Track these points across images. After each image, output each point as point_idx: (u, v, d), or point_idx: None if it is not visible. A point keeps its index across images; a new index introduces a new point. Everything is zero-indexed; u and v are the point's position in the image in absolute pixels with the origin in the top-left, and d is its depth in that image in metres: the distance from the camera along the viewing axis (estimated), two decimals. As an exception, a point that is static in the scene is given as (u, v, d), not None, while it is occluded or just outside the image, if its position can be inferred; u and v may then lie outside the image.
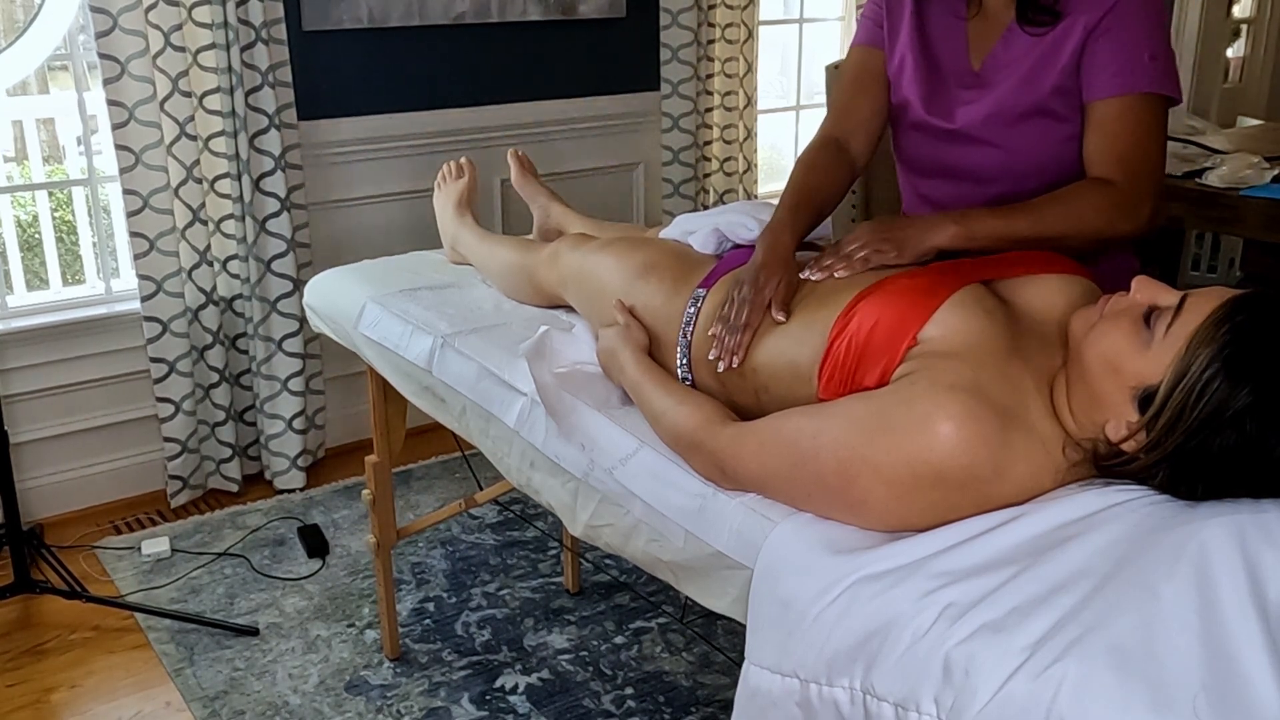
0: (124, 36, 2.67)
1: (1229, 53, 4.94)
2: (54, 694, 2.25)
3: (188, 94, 2.79)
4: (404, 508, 2.93)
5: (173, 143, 2.79)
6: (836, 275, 1.37)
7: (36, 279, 3.57)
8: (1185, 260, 4.30)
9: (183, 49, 2.76)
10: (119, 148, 2.73)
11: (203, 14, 2.74)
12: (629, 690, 2.23)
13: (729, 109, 3.73)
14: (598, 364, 1.58)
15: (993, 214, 1.44)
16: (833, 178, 1.62)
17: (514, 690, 2.24)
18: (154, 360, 2.87)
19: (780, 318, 1.36)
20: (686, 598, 1.37)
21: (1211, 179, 2.78)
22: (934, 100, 1.64)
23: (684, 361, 1.49)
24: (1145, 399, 1.07)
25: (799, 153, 1.68)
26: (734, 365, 1.37)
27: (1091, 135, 1.51)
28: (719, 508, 1.27)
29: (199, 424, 2.99)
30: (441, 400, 1.78)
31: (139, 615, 2.46)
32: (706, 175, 3.79)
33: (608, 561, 2.66)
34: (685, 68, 3.58)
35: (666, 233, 1.75)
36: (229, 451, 3.04)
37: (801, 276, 1.41)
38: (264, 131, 2.86)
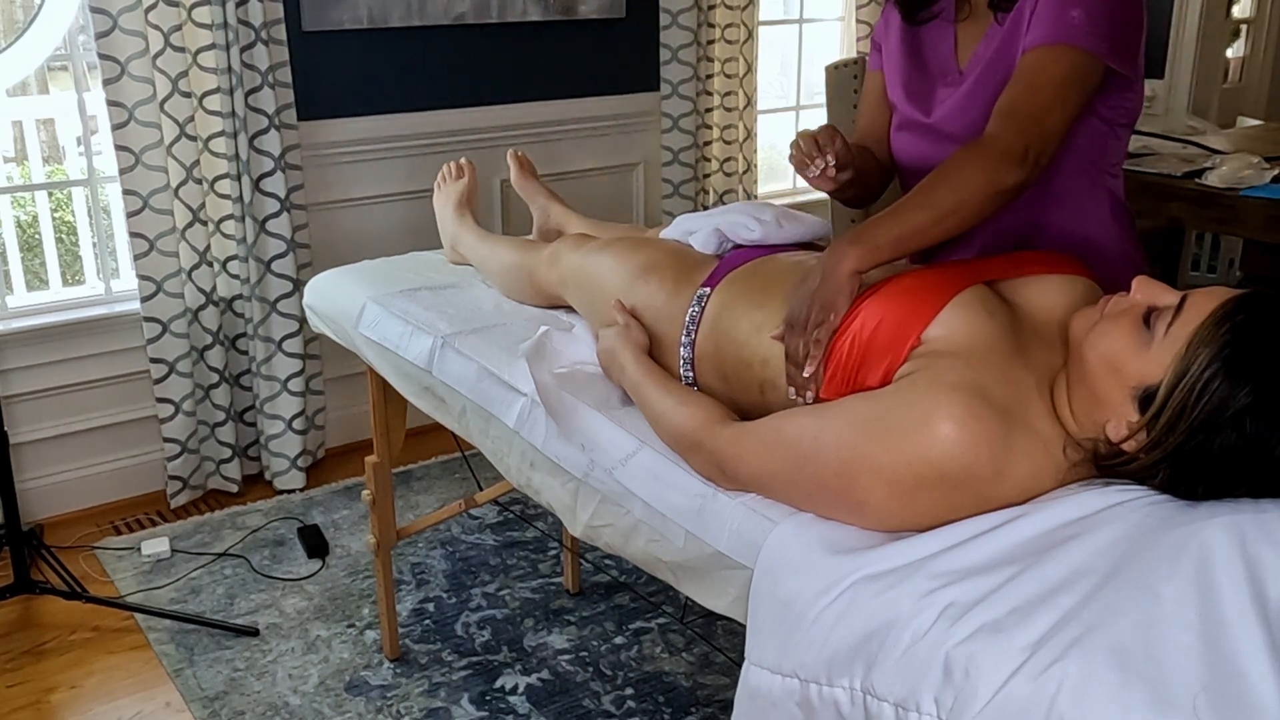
0: (124, 37, 2.67)
1: (1229, 53, 4.93)
2: (54, 694, 2.25)
3: (188, 94, 2.79)
4: (404, 508, 2.93)
5: (173, 143, 2.79)
6: (816, 381, 1.28)
7: (36, 279, 3.57)
8: (1185, 260, 4.30)
9: (182, 49, 2.76)
10: (119, 148, 2.73)
11: (203, 14, 2.74)
12: (629, 690, 2.23)
13: (729, 109, 3.73)
14: (598, 364, 1.58)
15: (884, 219, 1.36)
16: (869, 159, 1.73)
17: (514, 690, 2.24)
18: (154, 361, 2.87)
19: (831, 162, 1.46)
20: (686, 598, 1.37)
21: (1211, 179, 2.78)
22: (916, 96, 1.68)
23: (686, 361, 1.49)
24: (1146, 399, 1.07)
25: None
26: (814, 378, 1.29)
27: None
28: (719, 508, 1.27)
29: (199, 424, 2.98)
30: (441, 400, 1.78)
31: (139, 615, 2.46)
32: (706, 175, 3.79)
33: (608, 561, 2.66)
34: (685, 68, 3.58)
35: (667, 233, 1.75)
36: (229, 452, 3.04)
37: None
38: (264, 132, 2.86)
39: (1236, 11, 4.87)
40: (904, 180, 1.79)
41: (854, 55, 3.88)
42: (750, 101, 3.78)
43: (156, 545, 2.74)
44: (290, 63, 2.93)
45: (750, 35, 3.70)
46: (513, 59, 3.35)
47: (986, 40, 1.59)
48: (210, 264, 2.93)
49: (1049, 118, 1.43)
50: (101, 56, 2.66)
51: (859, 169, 1.57)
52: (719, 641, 2.37)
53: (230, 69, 2.77)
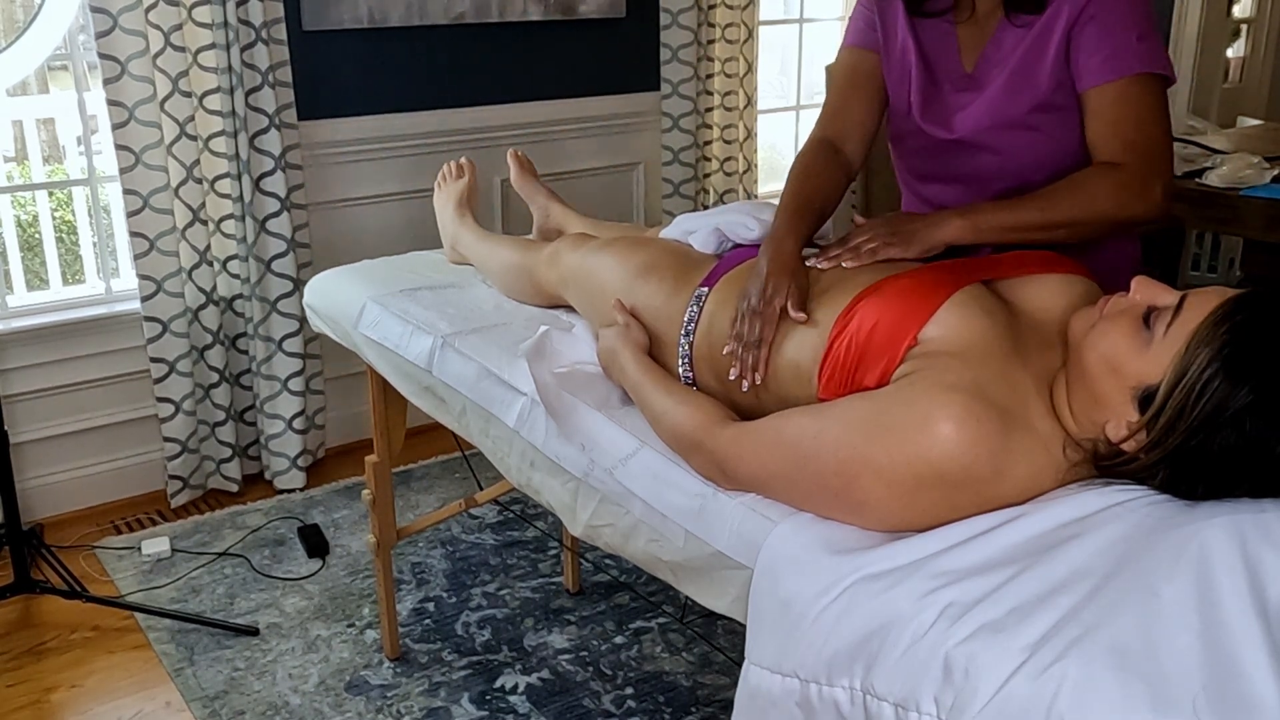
0: (124, 36, 2.67)
1: (1229, 53, 4.93)
2: (54, 694, 2.25)
3: (188, 94, 2.79)
4: (404, 508, 2.93)
5: (173, 143, 2.79)
6: (844, 265, 1.38)
7: (37, 279, 3.58)
8: (1185, 260, 4.30)
9: (183, 49, 2.76)
10: (119, 148, 2.73)
11: (203, 14, 2.74)
12: (629, 690, 2.23)
13: (729, 109, 3.73)
14: (598, 364, 1.58)
15: (999, 206, 1.44)
16: (830, 181, 1.60)
17: (514, 690, 2.24)
18: (154, 360, 2.87)
19: (800, 316, 1.32)
20: (686, 598, 1.37)
21: (1211, 179, 2.78)
22: (931, 107, 1.63)
23: (685, 361, 1.49)
24: (1145, 399, 1.07)
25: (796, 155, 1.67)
26: (757, 382, 1.34)
27: (1092, 123, 1.50)
28: (719, 508, 1.27)
29: (199, 424, 2.99)
30: (441, 400, 1.78)
31: (139, 615, 2.46)
32: (706, 175, 3.79)
33: (608, 561, 2.66)
34: (685, 68, 3.58)
35: (666, 233, 1.75)
36: (229, 451, 3.04)
37: (809, 264, 1.42)
38: (264, 131, 2.86)
39: (1236, 11, 4.87)
40: (909, 182, 1.75)
41: (854, 55, 3.88)
42: (750, 101, 3.78)
43: (156, 545, 2.74)
44: (290, 62, 2.93)
45: (750, 35, 3.70)
46: (513, 59, 3.35)
47: (995, 42, 1.56)
48: (210, 263, 2.93)
49: (1168, 151, 1.48)
50: (102, 56, 2.66)
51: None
52: (719, 641, 2.37)
53: (230, 68, 2.77)
